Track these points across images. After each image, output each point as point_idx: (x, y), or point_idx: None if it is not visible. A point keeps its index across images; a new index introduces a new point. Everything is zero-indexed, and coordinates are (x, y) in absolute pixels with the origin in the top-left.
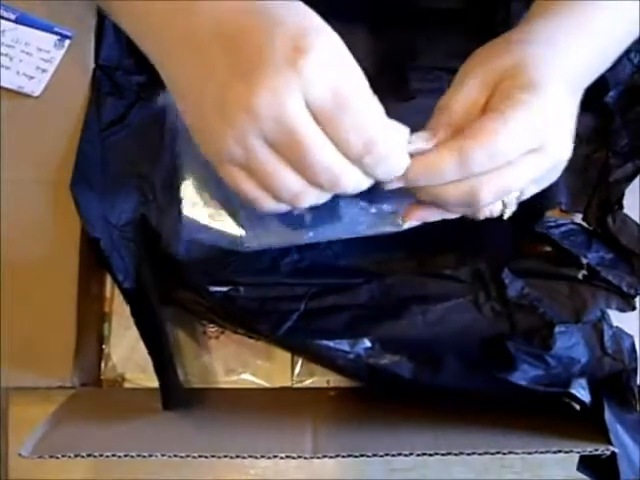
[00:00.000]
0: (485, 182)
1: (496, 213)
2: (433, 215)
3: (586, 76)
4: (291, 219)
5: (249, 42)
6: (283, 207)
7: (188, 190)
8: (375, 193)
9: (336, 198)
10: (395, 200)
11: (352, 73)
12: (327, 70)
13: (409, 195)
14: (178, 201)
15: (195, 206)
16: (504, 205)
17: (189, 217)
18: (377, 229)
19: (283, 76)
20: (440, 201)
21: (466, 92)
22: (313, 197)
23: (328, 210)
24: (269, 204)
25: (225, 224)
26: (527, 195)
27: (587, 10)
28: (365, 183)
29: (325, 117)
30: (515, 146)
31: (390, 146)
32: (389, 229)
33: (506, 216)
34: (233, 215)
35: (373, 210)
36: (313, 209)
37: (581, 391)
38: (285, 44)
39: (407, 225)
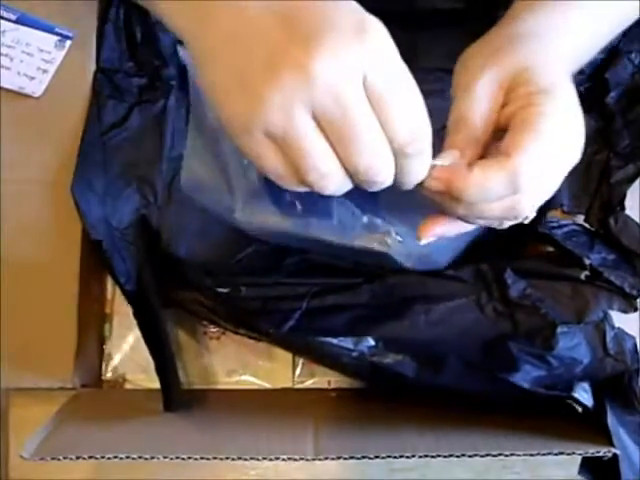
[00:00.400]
0: (526, 196)
1: (519, 220)
2: (451, 230)
3: (577, 64)
4: (283, 204)
5: (309, 11)
6: (301, 188)
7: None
8: (370, 203)
9: (331, 197)
10: (388, 218)
11: (402, 61)
12: (388, 47)
13: (404, 213)
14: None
15: (196, 165)
16: None
17: (190, 171)
18: (365, 243)
19: (349, 41)
20: (479, 216)
21: (479, 101)
22: (338, 183)
23: (320, 205)
24: (289, 183)
25: (222, 190)
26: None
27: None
28: (390, 180)
29: (379, 99)
30: (551, 157)
31: (429, 142)
32: (377, 247)
33: (527, 221)
34: (230, 187)
35: (365, 220)
36: (305, 200)
37: (583, 394)
38: (351, 15)
39: (424, 241)
